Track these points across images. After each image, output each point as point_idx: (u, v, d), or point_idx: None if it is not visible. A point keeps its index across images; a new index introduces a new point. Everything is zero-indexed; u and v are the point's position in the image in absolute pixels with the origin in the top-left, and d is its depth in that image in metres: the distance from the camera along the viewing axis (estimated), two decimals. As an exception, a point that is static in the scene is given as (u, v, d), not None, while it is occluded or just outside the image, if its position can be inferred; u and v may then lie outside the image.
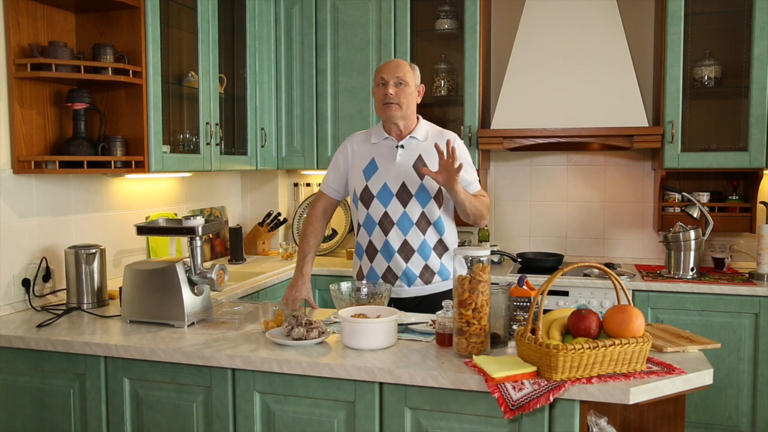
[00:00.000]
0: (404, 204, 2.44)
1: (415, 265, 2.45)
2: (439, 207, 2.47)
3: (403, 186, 2.44)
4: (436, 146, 2.25)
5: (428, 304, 2.46)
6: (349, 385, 1.82)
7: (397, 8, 3.61)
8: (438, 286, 2.50)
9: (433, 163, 2.42)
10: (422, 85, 2.52)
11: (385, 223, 2.45)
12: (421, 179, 2.43)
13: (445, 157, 2.23)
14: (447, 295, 2.47)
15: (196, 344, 2.00)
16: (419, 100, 2.51)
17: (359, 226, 2.54)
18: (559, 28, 3.45)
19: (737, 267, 3.52)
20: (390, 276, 2.46)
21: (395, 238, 2.44)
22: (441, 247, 2.50)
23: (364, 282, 2.38)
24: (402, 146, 2.48)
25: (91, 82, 2.61)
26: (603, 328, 1.72)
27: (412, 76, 2.45)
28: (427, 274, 2.47)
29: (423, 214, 2.44)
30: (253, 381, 1.92)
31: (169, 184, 3.37)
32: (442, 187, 2.38)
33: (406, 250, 2.45)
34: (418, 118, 2.54)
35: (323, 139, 3.78)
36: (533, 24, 3.49)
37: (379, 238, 2.47)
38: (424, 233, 2.45)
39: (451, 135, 2.53)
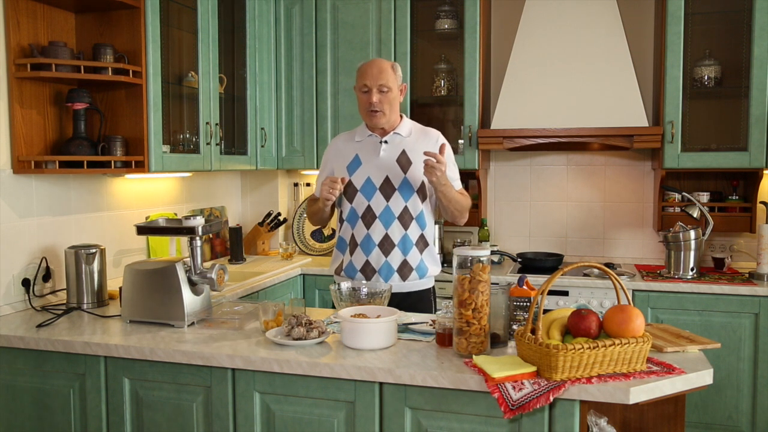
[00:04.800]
0: (387, 198, 2.46)
1: (394, 260, 2.47)
2: (422, 201, 2.49)
3: (387, 180, 2.46)
4: (431, 152, 2.31)
5: (410, 302, 2.49)
6: (349, 385, 1.82)
7: (397, 8, 3.61)
8: (414, 284, 2.52)
9: (417, 159, 2.45)
10: (404, 84, 2.53)
11: (368, 217, 2.47)
12: (405, 173, 2.45)
13: (435, 159, 2.29)
14: (425, 294, 2.54)
15: (196, 344, 2.00)
16: (401, 99, 2.52)
17: (342, 221, 2.56)
18: (559, 28, 3.45)
19: (737, 267, 3.52)
20: (368, 270, 2.48)
21: (376, 232, 2.46)
22: (422, 243, 2.51)
23: (363, 282, 2.39)
24: (386, 141, 2.50)
25: (91, 82, 2.61)
26: (603, 328, 1.72)
27: (395, 80, 2.45)
28: (404, 269, 2.48)
29: (406, 208, 2.46)
30: (253, 381, 1.92)
31: (169, 184, 3.37)
32: (434, 186, 2.40)
33: (387, 245, 2.46)
34: (401, 115, 2.56)
35: (323, 139, 3.77)
36: (533, 24, 3.49)
37: (360, 231, 2.49)
38: (406, 228, 2.47)
39: (435, 133, 2.56)
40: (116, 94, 2.71)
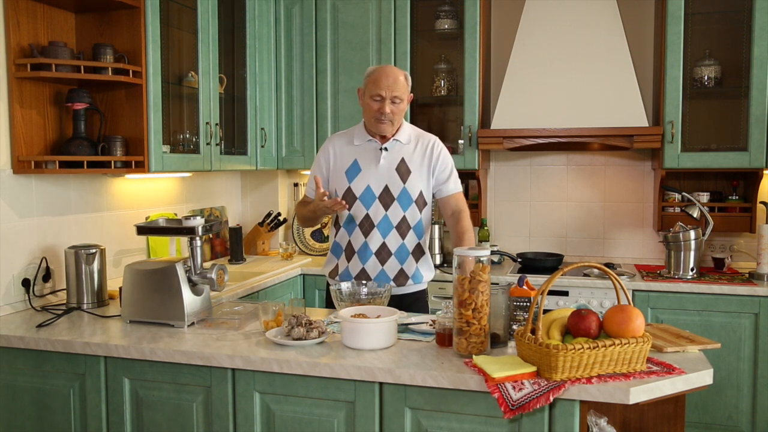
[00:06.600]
0: (386, 207, 2.45)
1: (391, 268, 2.47)
2: (421, 211, 2.48)
3: (386, 189, 2.45)
4: None
5: (405, 304, 2.48)
6: (349, 385, 1.82)
7: (397, 8, 3.61)
8: (409, 287, 2.52)
9: (416, 168, 2.45)
10: (411, 94, 2.49)
11: (366, 225, 2.46)
12: (404, 182, 2.44)
13: None
14: (420, 295, 2.53)
15: (196, 344, 2.00)
16: (406, 107, 2.50)
17: (339, 226, 2.54)
18: (559, 28, 3.45)
19: (737, 267, 3.52)
20: (363, 277, 2.47)
21: (374, 241, 2.45)
22: (419, 251, 2.51)
23: (364, 282, 2.39)
24: (386, 149, 2.47)
25: (91, 82, 2.61)
26: (603, 328, 1.72)
27: (406, 91, 2.43)
28: (401, 278, 2.48)
29: (404, 218, 2.45)
30: (253, 381, 1.92)
31: (169, 184, 3.37)
32: None
33: (384, 253, 2.46)
34: None
35: (323, 139, 3.75)
36: (533, 24, 3.49)
37: (358, 239, 2.47)
38: (403, 237, 2.46)
39: (433, 138, 2.55)
40: (116, 94, 2.71)
